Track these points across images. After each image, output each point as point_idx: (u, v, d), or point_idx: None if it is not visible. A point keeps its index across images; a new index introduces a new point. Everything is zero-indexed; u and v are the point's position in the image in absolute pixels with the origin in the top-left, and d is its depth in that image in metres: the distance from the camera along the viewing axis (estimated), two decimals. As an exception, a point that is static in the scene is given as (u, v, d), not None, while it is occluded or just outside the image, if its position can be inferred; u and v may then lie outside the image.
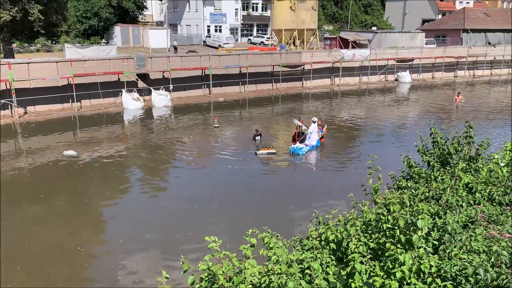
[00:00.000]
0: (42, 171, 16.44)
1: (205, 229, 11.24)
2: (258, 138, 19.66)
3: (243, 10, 64.18)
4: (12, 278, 9.24)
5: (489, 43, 50.26)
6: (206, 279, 3.81)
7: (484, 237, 4.97)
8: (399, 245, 4.28)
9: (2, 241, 10.62)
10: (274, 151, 17.89)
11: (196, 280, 3.88)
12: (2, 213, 12.26)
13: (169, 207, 13.00)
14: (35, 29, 30.56)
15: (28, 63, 25.79)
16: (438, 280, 3.90)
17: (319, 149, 18.94)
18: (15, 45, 41.53)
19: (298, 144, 18.27)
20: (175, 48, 45.07)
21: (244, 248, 4.01)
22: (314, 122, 18.94)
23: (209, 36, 55.06)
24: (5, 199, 13.21)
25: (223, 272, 3.71)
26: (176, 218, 12.22)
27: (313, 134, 18.67)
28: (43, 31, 31.77)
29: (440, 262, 4.16)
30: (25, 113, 25.45)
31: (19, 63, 25.64)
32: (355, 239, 4.48)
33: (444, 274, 4.05)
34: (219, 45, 49.42)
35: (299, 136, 19.25)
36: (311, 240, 4.94)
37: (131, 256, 10.21)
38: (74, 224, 11.84)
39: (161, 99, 29.24)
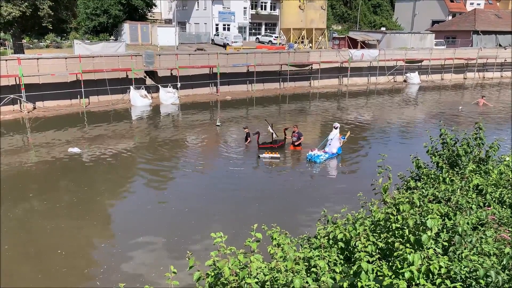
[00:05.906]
0: (40, 168, 16.21)
1: (207, 229, 10.87)
2: (251, 137, 18.93)
3: (252, 9, 64.14)
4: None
5: (500, 45, 49.77)
6: (212, 274, 3.78)
7: (494, 239, 4.90)
8: (408, 245, 4.21)
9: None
10: (278, 155, 17.29)
11: (203, 275, 3.85)
12: (2, 212, 11.96)
13: (169, 209, 12.72)
14: (43, 25, 30.74)
15: (37, 59, 25.94)
16: (448, 281, 3.84)
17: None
18: (25, 40, 41.88)
19: (316, 151, 17.18)
20: (224, 46, 47.59)
21: (249, 242, 3.98)
22: (336, 128, 17.79)
23: (217, 35, 55.12)
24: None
25: (229, 268, 3.68)
26: (177, 220, 11.90)
27: (334, 141, 17.52)
28: (51, 27, 31.96)
29: (449, 263, 4.09)
30: (34, 108, 25.62)
31: (29, 59, 25.78)
32: (363, 238, 4.42)
33: (453, 276, 3.98)
34: (227, 44, 49.47)
35: (263, 144, 18.11)
36: (319, 239, 4.89)
37: (127, 258, 9.91)
38: (60, 226, 11.35)
39: (168, 97, 29.30)
